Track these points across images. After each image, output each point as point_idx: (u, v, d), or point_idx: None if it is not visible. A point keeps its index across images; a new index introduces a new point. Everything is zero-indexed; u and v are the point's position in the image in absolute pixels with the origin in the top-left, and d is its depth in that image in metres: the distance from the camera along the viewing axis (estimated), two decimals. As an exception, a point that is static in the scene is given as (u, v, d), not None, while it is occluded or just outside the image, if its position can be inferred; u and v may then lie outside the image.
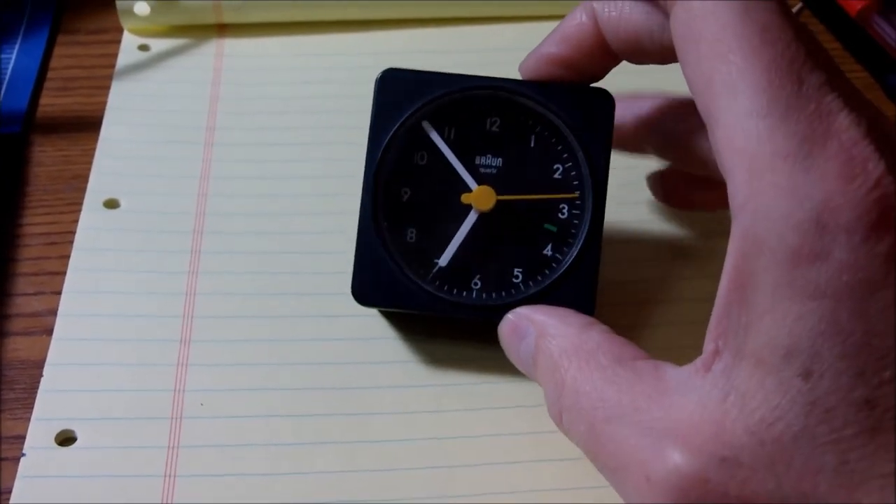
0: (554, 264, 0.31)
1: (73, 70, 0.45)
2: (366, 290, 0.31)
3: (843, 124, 0.22)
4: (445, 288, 0.32)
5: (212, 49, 0.45)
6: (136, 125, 0.41)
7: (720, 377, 0.23)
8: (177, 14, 0.45)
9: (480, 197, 0.31)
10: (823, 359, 0.22)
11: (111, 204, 0.37)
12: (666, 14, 0.26)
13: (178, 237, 0.36)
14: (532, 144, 0.32)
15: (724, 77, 0.23)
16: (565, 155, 0.31)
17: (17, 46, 0.45)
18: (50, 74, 0.45)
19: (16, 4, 0.48)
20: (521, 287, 0.31)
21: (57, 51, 0.46)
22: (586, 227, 0.31)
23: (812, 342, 0.22)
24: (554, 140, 0.32)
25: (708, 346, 0.24)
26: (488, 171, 0.31)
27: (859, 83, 0.45)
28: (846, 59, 0.47)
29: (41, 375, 0.32)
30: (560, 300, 0.30)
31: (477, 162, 0.31)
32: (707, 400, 0.23)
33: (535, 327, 0.29)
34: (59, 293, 0.35)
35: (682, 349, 0.26)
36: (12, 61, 0.45)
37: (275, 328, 0.34)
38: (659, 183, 0.36)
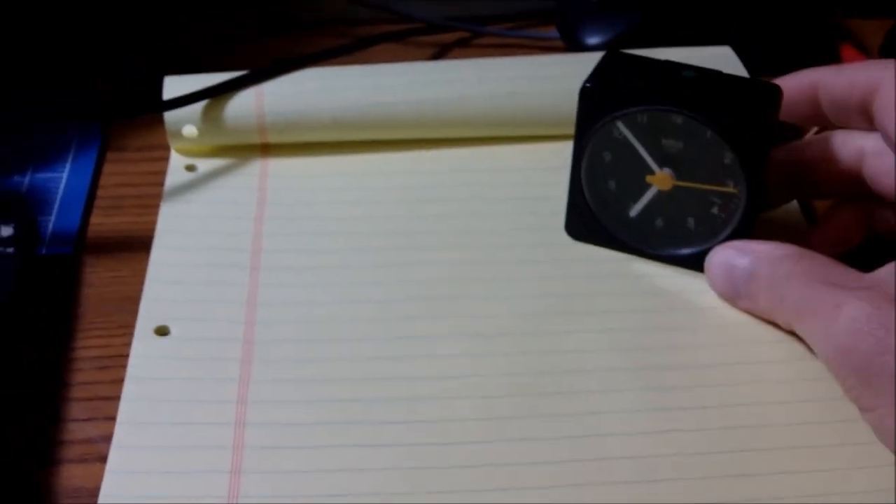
0: (718, 225, 0.40)
1: (122, 188, 0.47)
2: (575, 229, 0.43)
3: None
4: (635, 231, 0.42)
5: (256, 169, 0.46)
6: (184, 249, 0.42)
7: None
8: (223, 135, 0.46)
9: (660, 180, 0.40)
10: None
11: (162, 331, 0.39)
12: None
13: (226, 365, 0.37)
14: (707, 135, 0.38)
15: None
16: (731, 151, 0.38)
17: (67, 165, 0.47)
18: (99, 193, 0.46)
19: (66, 123, 0.50)
20: (694, 238, 0.41)
21: (106, 168, 0.48)
22: (743, 205, 0.39)
23: None
24: (723, 137, 0.38)
25: None
26: (671, 151, 0.39)
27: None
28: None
29: (95, 505, 0.33)
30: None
31: (662, 142, 0.39)
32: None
33: (751, 250, 0.38)
34: (113, 419, 0.36)
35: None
36: (63, 180, 0.46)
37: (328, 459, 0.34)
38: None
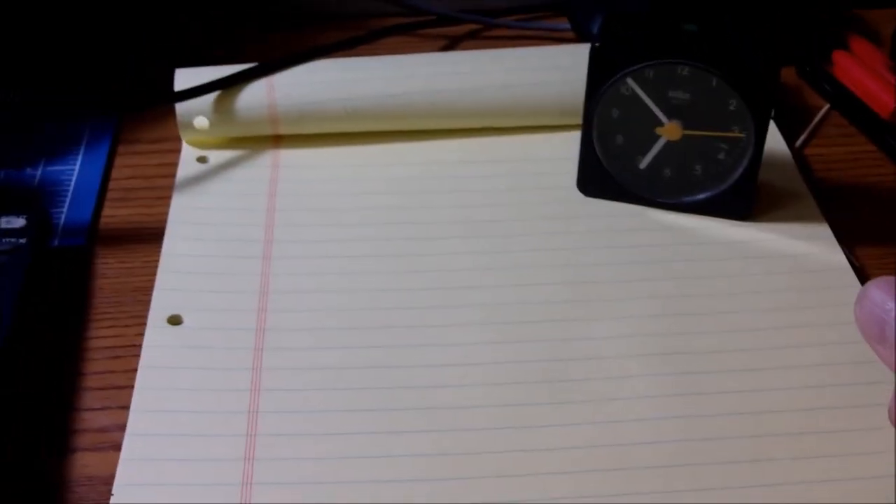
0: (725, 170, 0.42)
1: (133, 180, 0.47)
2: (587, 185, 0.44)
3: None
4: (645, 183, 0.43)
5: (268, 160, 0.46)
6: (196, 239, 0.42)
7: None
8: (235, 127, 0.46)
9: (669, 131, 0.42)
10: None
11: (175, 321, 0.38)
12: None
13: (239, 354, 0.37)
14: (714, 84, 0.40)
15: None
16: (737, 96, 0.40)
17: (79, 158, 0.47)
18: (111, 185, 0.46)
19: (78, 116, 0.50)
20: (703, 184, 0.42)
21: (118, 161, 0.48)
22: (750, 149, 0.41)
23: None
24: (729, 84, 0.40)
25: None
26: (678, 102, 0.41)
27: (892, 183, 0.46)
28: (883, 162, 0.48)
29: (110, 493, 0.33)
30: (727, 197, 0.42)
31: (669, 94, 0.41)
32: None
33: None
34: (126, 408, 0.36)
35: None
36: (76, 173, 0.46)
37: (341, 446, 0.34)
38: None
